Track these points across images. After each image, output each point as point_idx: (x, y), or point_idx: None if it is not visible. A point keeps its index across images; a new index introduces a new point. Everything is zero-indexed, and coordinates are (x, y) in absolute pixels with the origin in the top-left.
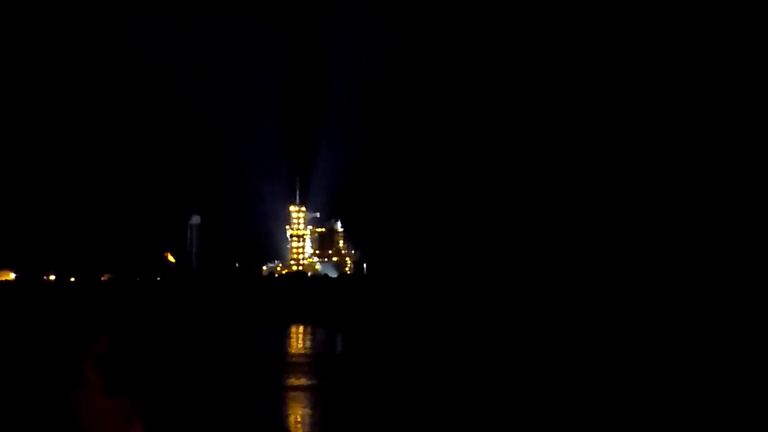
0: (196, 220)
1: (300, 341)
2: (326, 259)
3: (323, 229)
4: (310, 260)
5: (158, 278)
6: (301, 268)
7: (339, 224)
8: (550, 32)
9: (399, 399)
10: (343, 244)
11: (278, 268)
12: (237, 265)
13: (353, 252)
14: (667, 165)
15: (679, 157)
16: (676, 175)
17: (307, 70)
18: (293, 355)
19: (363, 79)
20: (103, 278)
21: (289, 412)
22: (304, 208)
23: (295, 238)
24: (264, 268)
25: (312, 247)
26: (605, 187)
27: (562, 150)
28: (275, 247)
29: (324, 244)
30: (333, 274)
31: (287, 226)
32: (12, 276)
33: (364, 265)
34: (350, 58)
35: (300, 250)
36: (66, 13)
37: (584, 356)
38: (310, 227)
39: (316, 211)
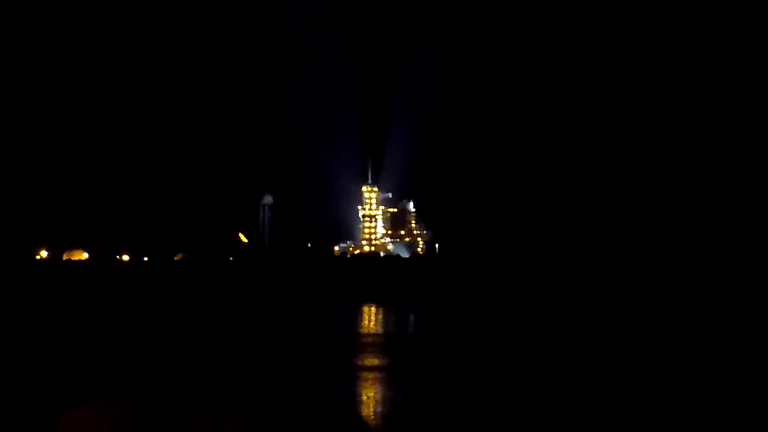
0: (268, 199)
1: (372, 321)
2: (398, 240)
3: (395, 210)
4: (382, 240)
5: (231, 258)
6: (373, 248)
7: (411, 204)
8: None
9: (470, 381)
10: (415, 224)
11: (350, 248)
12: (309, 245)
13: (425, 232)
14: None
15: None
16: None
17: (379, 49)
18: (365, 335)
19: (435, 59)
20: (176, 258)
21: (361, 390)
22: (376, 188)
23: (367, 218)
24: (336, 248)
25: (384, 227)
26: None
27: (646, 136)
28: (347, 227)
29: (396, 224)
30: (405, 255)
31: (359, 206)
32: (85, 256)
33: (436, 246)
34: (422, 38)
35: (372, 230)
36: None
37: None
38: (382, 207)
39: (388, 192)
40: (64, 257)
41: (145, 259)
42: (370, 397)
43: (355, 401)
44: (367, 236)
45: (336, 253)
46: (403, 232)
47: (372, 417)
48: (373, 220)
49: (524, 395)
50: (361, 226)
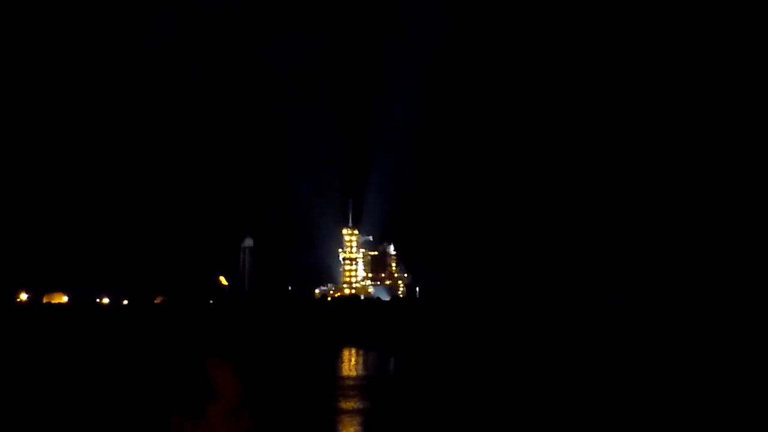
0: (249, 242)
1: (352, 364)
2: (379, 283)
3: (376, 253)
4: (363, 283)
5: (211, 301)
6: (353, 291)
7: (392, 247)
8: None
9: (450, 424)
10: (396, 267)
11: (331, 291)
12: (290, 287)
13: (405, 275)
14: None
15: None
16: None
17: (360, 93)
18: (345, 378)
19: (416, 103)
20: (156, 301)
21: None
22: (356, 232)
23: (347, 262)
24: (317, 291)
25: (364, 270)
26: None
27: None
28: (328, 271)
29: (376, 267)
30: (385, 298)
31: (340, 250)
32: (65, 299)
33: (417, 289)
34: (403, 83)
35: (353, 274)
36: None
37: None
38: (362, 250)
39: (368, 235)
40: (44, 300)
41: (125, 302)
42: None
43: None
44: (348, 279)
45: (317, 296)
46: (383, 275)
47: None
48: (354, 263)
49: None
50: (341, 269)
